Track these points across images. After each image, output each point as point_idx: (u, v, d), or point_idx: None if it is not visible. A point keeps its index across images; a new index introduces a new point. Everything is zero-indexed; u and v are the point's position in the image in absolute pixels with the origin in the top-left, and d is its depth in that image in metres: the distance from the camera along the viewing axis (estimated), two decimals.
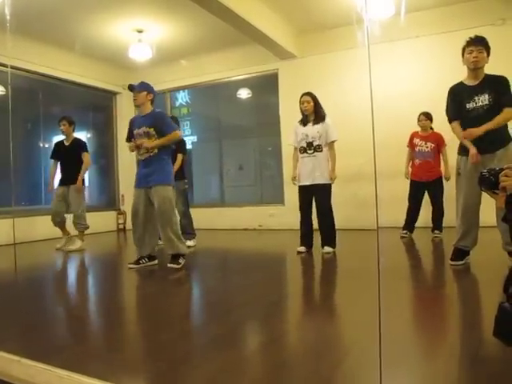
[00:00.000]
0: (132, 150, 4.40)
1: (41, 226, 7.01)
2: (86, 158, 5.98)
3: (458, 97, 3.65)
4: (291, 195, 7.81)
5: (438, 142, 5.70)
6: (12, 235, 5.48)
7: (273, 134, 8.17)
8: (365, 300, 2.78)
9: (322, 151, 4.67)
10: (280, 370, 1.85)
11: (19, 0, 5.77)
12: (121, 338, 2.37)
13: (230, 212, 8.43)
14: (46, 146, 8.63)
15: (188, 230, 5.68)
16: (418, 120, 5.82)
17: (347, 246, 4.87)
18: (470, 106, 3.56)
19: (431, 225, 5.88)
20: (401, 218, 5.90)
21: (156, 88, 9.60)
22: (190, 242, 5.68)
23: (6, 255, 5.47)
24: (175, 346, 2.17)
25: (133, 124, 4.43)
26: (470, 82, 3.61)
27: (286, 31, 7.38)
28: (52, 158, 6.17)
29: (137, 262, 4.30)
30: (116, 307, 3.20)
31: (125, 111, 9.55)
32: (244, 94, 8.84)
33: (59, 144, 6.17)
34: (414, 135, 5.87)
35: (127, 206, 9.30)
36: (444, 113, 3.84)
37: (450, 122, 3.73)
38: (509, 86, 3.52)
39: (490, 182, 1.73)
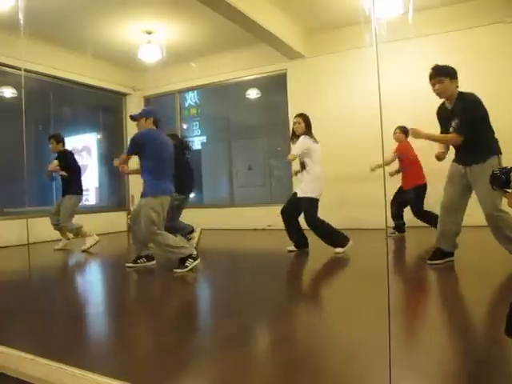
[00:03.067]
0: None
1: (52, 227, 7.07)
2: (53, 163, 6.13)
3: (444, 117, 3.74)
4: None
5: (406, 151, 5.78)
6: (23, 235, 5.55)
7: (282, 134, 8.17)
8: (374, 300, 2.78)
9: (305, 168, 4.92)
10: (290, 369, 1.85)
11: (31, 4, 5.84)
12: (132, 337, 2.39)
13: (240, 212, 8.44)
14: None
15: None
16: (394, 133, 5.88)
17: (356, 246, 4.85)
18: (453, 124, 3.61)
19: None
20: (409, 217, 5.88)
21: (165, 89, 9.71)
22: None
23: (18, 255, 5.54)
24: (186, 345, 2.18)
25: None
26: (448, 105, 3.71)
27: (294, 31, 7.38)
28: None
29: (134, 261, 4.50)
30: (127, 307, 3.23)
31: (134, 112, 9.59)
32: (253, 94, 8.85)
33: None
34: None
35: None
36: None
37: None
38: (469, 109, 3.51)
39: (501, 181, 1.72)
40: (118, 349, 2.19)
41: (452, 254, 3.77)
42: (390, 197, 5.78)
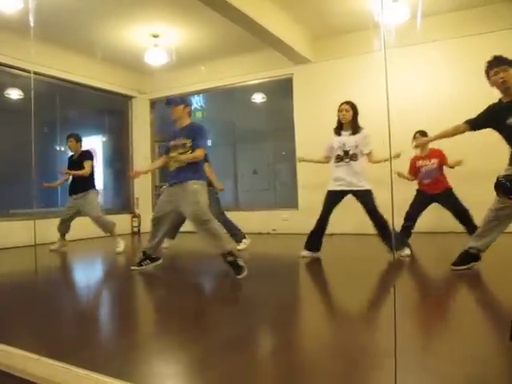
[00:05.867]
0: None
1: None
2: (87, 165, 6.02)
3: (495, 113, 3.55)
4: (305, 200, 7.83)
5: (441, 158, 5.51)
6: (27, 237, 5.57)
7: (287, 138, 8.18)
8: (380, 303, 2.78)
9: (357, 160, 4.64)
10: (294, 371, 1.85)
11: (38, 7, 5.89)
12: (137, 338, 2.39)
13: (244, 216, 8.42)
14: (62, 149, 8.74)
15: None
16: (414, 138, 5.50)
17: (363, 251, 4.84)
18: (510, 121, 3.43)
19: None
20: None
21: (171, 92, 9.75)
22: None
23: (25, 256, 5.56)
24: (190, 348, 2.18)
25: (169, 137, 4.36)
26: (506, 99, 3.51)
27: (300, 36, 7.40)
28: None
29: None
30: (131, 308, 3.24)
31: (140, 115, 9.65)
32: (258, 98, 8.87)
33: (69, 157, 6.32)
34: (415, 159, 5.64)
35: (142, 209, 9.38)
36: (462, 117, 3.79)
37: (466, 121, 3.66)
38: None
39: (506, 188, 1.72)
40: (122, 349, 2.19)
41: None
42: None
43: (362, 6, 6.30)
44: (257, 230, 8.08)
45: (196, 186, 4.06)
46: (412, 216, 5.62)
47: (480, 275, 3.69)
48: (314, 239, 4.80)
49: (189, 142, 4.11)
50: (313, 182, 7.64)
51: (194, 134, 4.15)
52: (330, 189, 4.75)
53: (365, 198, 4.59)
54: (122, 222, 9.04)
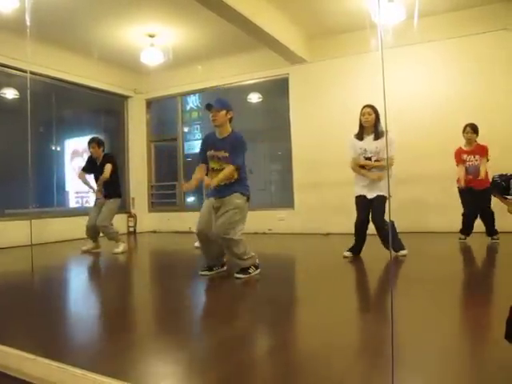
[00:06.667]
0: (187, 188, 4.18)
1: (55, 228, 7.07)
2: (106, 169, 5.89)
3: None
4: (301, 200, 7.83)
5: (482, 153, 5.46)
6: (25, 236, 5.54)
7: (283, 138, 8.18)
8: (378, 302, 2.78)
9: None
10: (291, 371, 1.85)
11: (34, 7, 5.87)
12: (133, 338, 2.39)
13: None
14: (58, 149, 8.73)
15: None
16: (464, 132, 5.49)
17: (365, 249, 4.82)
18: None
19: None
20: (413, 223, 5.79)
21: (167, 92, 9.72)
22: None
23: (22, 256, 5.54)
24: (188, 347, 2.19)
25: (208, 143, 4.05)
26: None
27: (296, 36, 7.41)
28: (83, 169, 6.18)
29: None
30: (128, 308, 3.23)
31: (136, 115, 9.63)
32: (254, 98, 8.86)
33: (92, 160, 6.14)
34: (460, 152, 5.57)
35: (138, 209, 9.37)
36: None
37: None
38: None
39: (500, 188, 1.73)
40: (119, 349, 2.19)
41: None
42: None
43: (357, 6, 6.31)
44: (252, 229, 8.07)
45: (239, 202, 3.88)
46: (468, 213, 5.62)
47: (477, 274, 3.68)
48: (356, 245, 4.75)
49: (229, 156, 3.86)
50: (309, 182, 7.66)
51: (233, 147, 3.87)
52: (357, 194, 4.70)
53: (375, 203, 4.52)
54: (118, 221, 9.02)
